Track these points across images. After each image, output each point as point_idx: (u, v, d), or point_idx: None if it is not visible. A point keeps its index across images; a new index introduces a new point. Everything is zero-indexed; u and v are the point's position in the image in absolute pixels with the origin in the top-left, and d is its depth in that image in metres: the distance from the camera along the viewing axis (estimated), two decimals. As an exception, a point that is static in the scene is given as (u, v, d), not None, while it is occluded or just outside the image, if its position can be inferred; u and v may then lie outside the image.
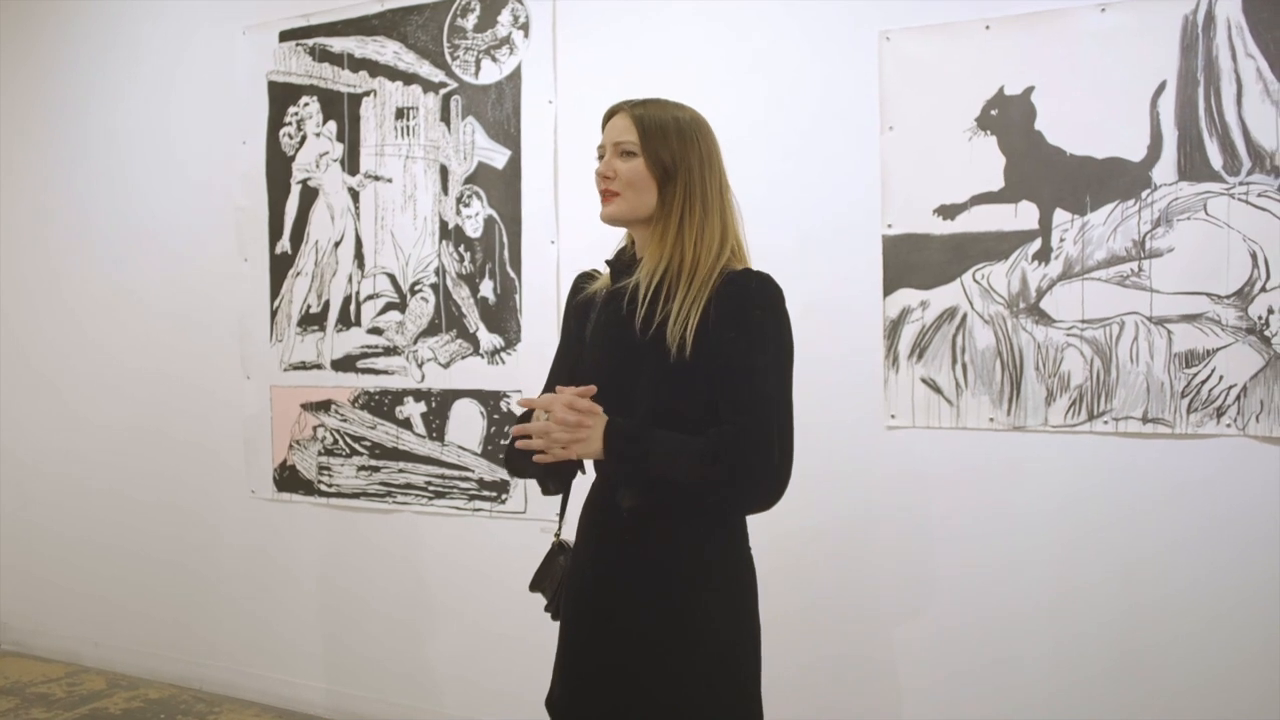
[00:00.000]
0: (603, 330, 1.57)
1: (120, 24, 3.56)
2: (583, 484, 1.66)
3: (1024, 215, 2.23)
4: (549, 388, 1.65)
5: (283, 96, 3.19)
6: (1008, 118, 2.23)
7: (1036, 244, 2.22)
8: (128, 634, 3.60)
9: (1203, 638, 2.12)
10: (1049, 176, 2.20)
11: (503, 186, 2.85)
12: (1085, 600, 2.21)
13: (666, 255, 1.49)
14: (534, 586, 1.64)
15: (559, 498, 1.65)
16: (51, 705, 3.33)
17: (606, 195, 1.54)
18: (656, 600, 1.47)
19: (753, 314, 1.45)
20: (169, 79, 3.44)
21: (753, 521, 2.48)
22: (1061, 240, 2.20)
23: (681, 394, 1.45)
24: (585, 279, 1.70)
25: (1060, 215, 2.20)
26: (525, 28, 2.79)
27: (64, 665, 3.72)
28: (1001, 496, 2.28)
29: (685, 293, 1.46)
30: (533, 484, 2.78)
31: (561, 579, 1.60)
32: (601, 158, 1.57)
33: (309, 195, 3.17)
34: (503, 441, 2.76)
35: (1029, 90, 2.21)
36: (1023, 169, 2.22)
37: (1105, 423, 2.18)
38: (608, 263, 1.63)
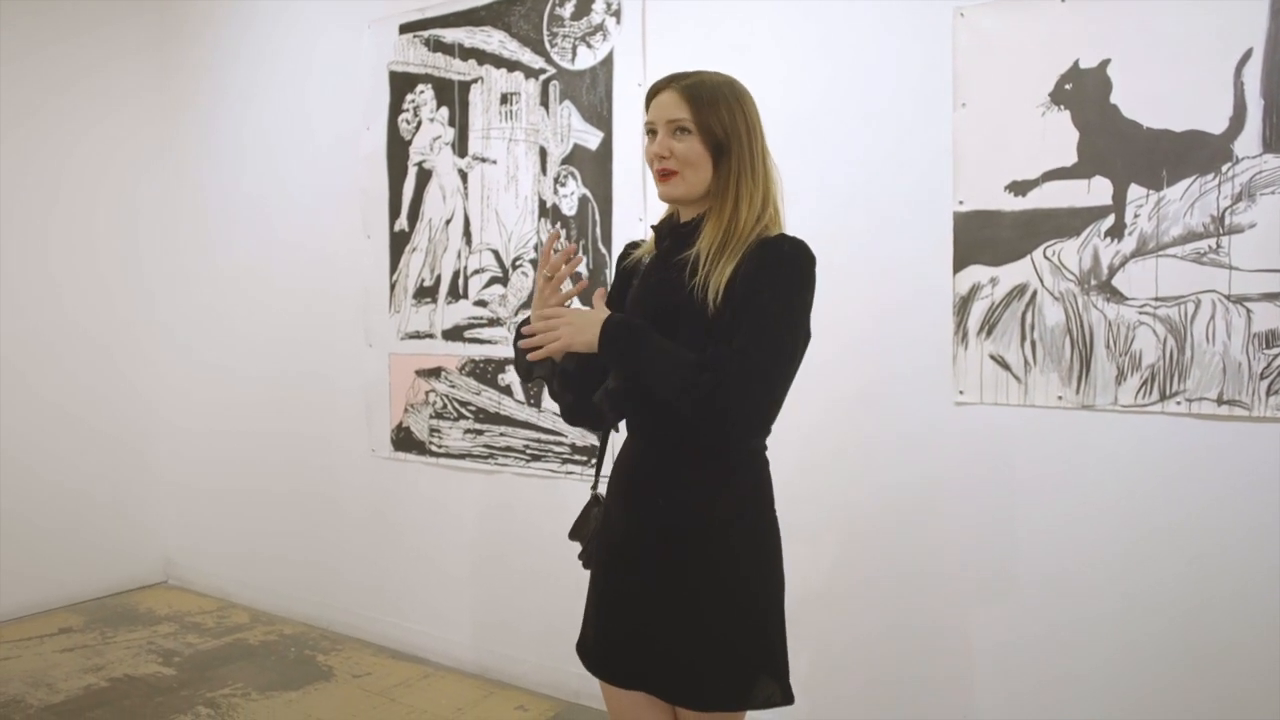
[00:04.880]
0: (650, 295, 1.62)
1: (264, 27, 3.92)
2: (617, 443, 1.78)
3: (1097, 191, 2.19)
4: None
5: (401, 85, 3.44)
6: (1082, 91, 2.19)
7: (1110, 220, 2.18)
8: (269, 575, 4.00)
9: (1278, 631, 2.05)
10: (1124, 151, 2.15)
11: (595, 167, 2.99)
12: (1154, 587, 2.17)
13: (724, 225, 1.53)
14: (572, 535, 1.77)
15: (595, 456, 1.76)
16: (203, 633, 3.74)
17: (664, 175, 1.56)
18: (682, 559, 1.54)
19: (781, 271, 1.48)
20: (305, 73, 3.77)
21: (820, 488, 2.56)
22: (1136, 216, 2.15)
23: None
24: (632, 246, 1.78)
25: (1135, 190, 2.15)
26: (618, 14, 2.92)
27: (216, 600, 4.16)
28: (1069, 475, 2.26)
29: (729, 252, 1.50)
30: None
31: (595, 531, 1.71)
32: (650, 133, 1.59)
33: (424, 177, 3.41)
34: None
35: (1105, 63, 2.17)
36: (1097, 144, 2.18)
37: (1178, 404, 2.12)
38: (653, 228, 1.68)
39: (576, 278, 1.73)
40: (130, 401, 4.32)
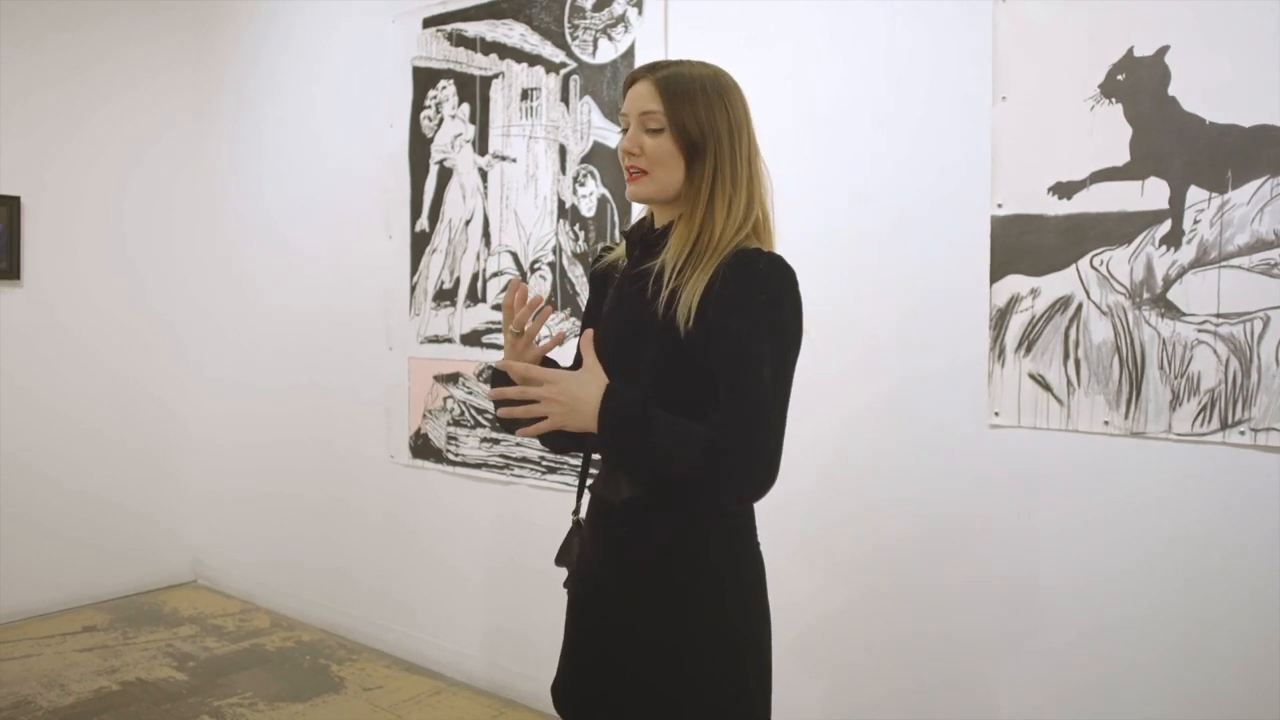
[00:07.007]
0: (618, 307, 1.49)
1: (290, 21, 3.86)
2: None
3: (1152, 194, 1.96)
4: (577, 362, 1.61)
5: (424, 81, 3.34)
6: (1136, 83, 1.97)
7: (1166, 226, 1.95)
8: (291, 580, 3.94)
9: (1353, 691, 1.80)
10: (1183, 149, 1.92)
11: (615, 166, 2.84)
12: (1210, 635, 1.93)
13: (694, 234, 1.38)
14: (559, 561, 1.63)
15: (577, 477, 1.62)
16: (222, 636, 3.70)
17: (633, 173, 1.42)
18: (656, 597, 1.41)
19: (758, 299, 1.31)
20: (328, 68, 3.70)
21: (843, 509, 2.38)
22: (1196, 222, 1.92)
23: (687, 373, 1.34)
24: (605, 249, 1.64)
25: (1195, 193, 1.92)
26: (639, 5, 2.76)
27: (240, 602, 4.12)
28: (1116, 509, 2.03)
29: (701, 266, 1.35)
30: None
31: (577, 559, 1.58)
32: (625, 130, 1.45)
33: (445, 175, 3.30)
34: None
35: (1163, 50, 1.94)
36: (1152, 141, 1.95)
37: (1241, 433, 1.89)
38: (624, 234, 1.54)
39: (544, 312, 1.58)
40: (158, 413, 4.33)
